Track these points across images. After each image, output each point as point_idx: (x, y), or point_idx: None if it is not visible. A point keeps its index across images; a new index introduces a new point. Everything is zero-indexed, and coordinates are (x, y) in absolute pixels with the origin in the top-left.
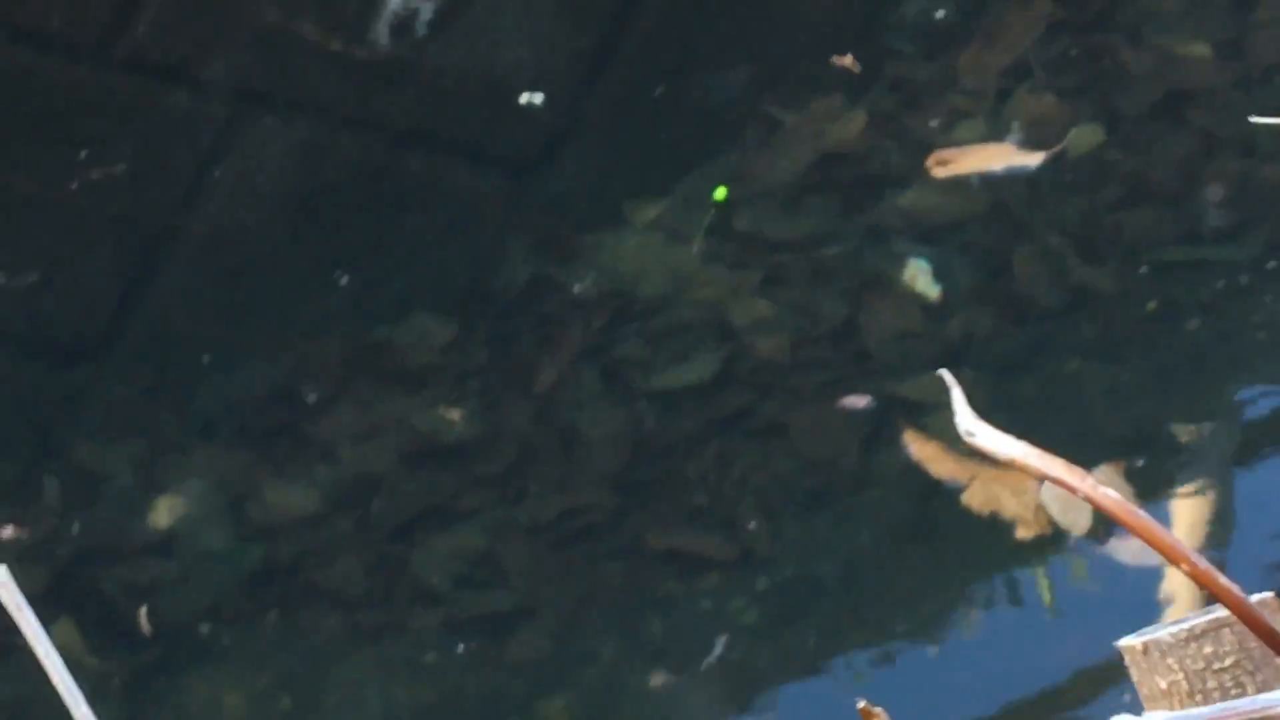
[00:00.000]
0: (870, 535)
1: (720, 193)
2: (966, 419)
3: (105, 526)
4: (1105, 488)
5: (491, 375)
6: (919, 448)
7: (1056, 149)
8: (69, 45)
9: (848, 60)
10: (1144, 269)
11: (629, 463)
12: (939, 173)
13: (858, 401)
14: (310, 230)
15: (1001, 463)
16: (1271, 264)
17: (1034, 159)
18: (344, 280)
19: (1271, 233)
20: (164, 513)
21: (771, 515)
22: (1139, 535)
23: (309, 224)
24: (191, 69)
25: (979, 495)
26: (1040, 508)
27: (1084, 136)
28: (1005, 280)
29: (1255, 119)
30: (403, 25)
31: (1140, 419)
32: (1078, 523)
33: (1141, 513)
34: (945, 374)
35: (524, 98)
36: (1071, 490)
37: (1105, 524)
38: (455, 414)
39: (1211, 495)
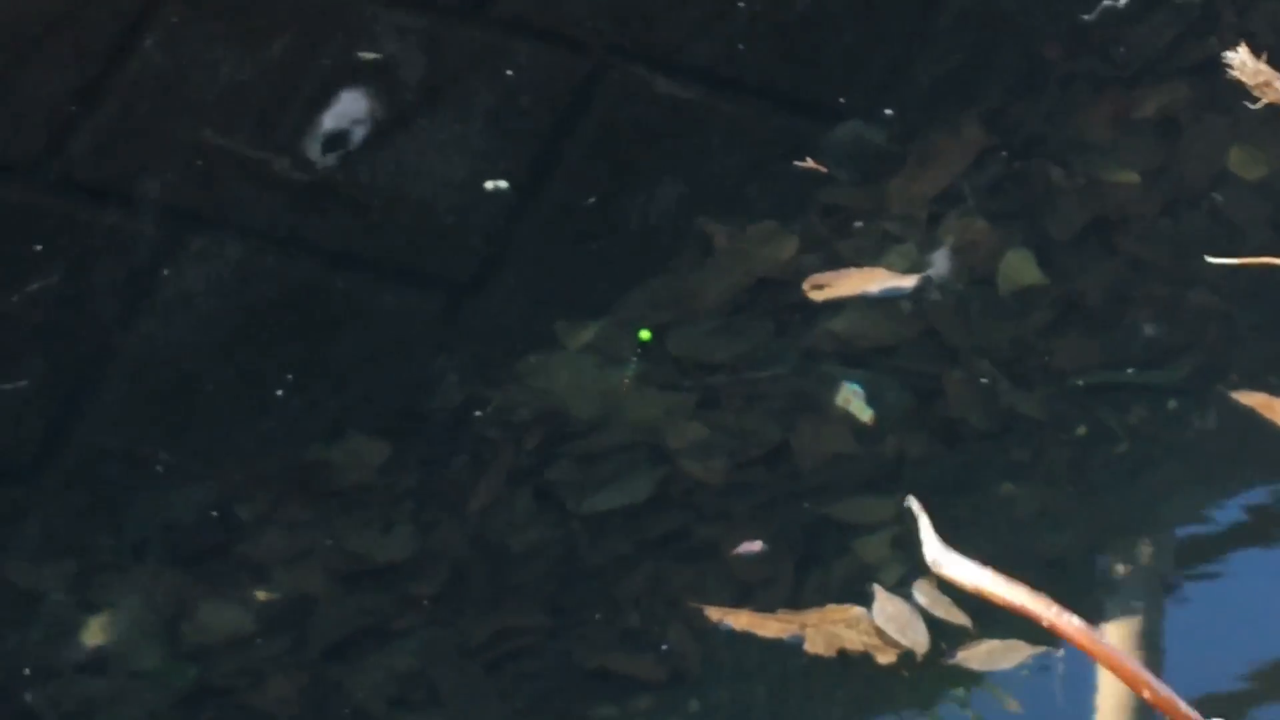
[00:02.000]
0: (801, 659)
1: (645, 334)
2: (933, 549)
3: (37, 645)
4: (1069, 615)
5: (425, 496)
6: (737, 619)
7: (926, 273)
8: (2, 165)
9: (809, 163)
10: (1072, 393)
11: (561, 584)
12: (815, 295)
13: (751, 547)
14: (244, 350)
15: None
16: (1198, 389)
17: (908, 281)
18: (279, 398)
19: (1199, 357)
20: (97, 631)
21: (702, 637)
22: (1103, 662)
23: (242, 344)
24: (124, 189)
25: (819, 640)
26: (880, 631)
27: (1014, 262)
28: (937, 404)
29: (1212, 259)
30: (335, 146)
31: (1071, 542)
32: (918, 640)
33: (1104, 640)
34: (913, 502)
35: (489, 184)
36: (1037, 619)
37: (946, 639)
38: (389, 534)
39: (1140, 619)
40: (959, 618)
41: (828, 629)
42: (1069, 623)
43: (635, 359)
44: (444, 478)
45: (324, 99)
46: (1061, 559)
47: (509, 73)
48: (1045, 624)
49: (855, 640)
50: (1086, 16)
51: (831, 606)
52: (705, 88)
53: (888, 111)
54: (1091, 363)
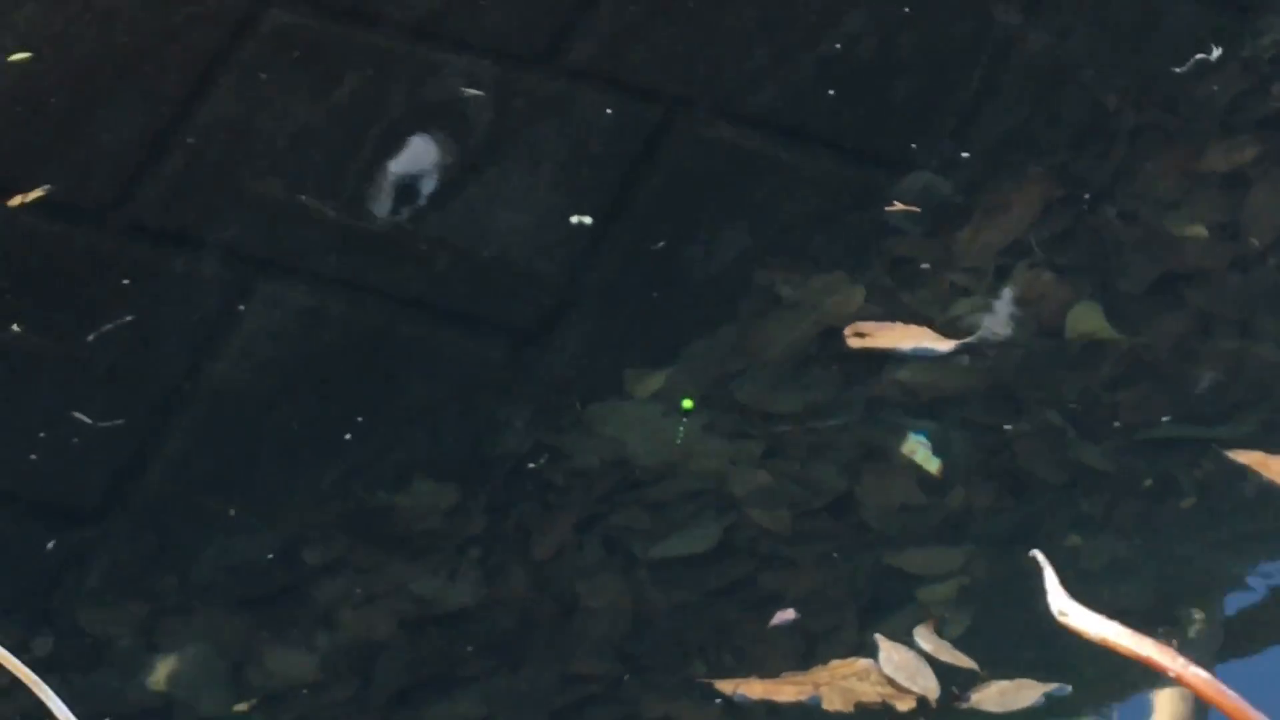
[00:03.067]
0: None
1: (688, 403)
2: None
3: (104, 688)
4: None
5: (492, 542)
6: (751, 688)
7: (969, 339)
8: (74, 210)
9: (898, 206)
10: (1139, 446)
11: (628, 631)
12: (854, 343)
13: (786, 615)
14: (312, 397)
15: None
16: (1266, 444)
17: (945, 345)
18: (346, 443)
19: (1265, 413)
20: (163, 676)
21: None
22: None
23: (311, 390)
24: (193, 235)
25: (835, 698)
26: (891, 680)
27: (1081, 314)
28: (1004, 455)
29: None
30: (404, 195)
31: (1138, 594)
32: (928, 686)
33: (1231, 693)
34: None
35: (574, 219)
36: (1163, 670)
37: (955, 683)
38: (455, 581)
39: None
40: (964, 661)
41: (840, 685)
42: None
43: (682, 427)
44: (511, 524)
45: (393, 148)
46: (1129, 611)
47: (577, 121)
48: (1172, 675)
49: (870, 692)
50: (1178, 69)
51: (837, 662)
52: (772, 137)
53: (964, 154)
54: (1159, 416)
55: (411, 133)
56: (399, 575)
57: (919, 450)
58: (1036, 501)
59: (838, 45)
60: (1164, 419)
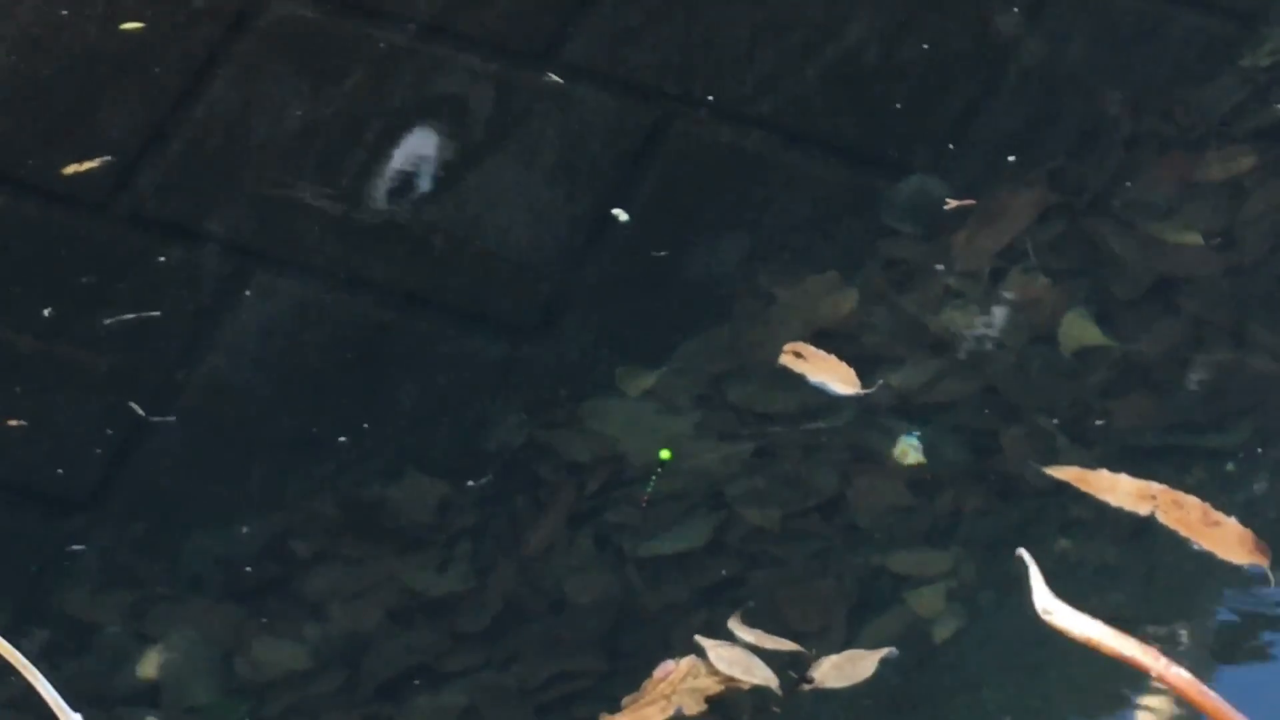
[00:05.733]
0: (855, 709)
1: (665, 454)
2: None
3: (92, 675)
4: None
5: (483, 536)
6: None
7: (877, 385)
8: (71, 198)
9: (953, 204)
10: (1131, 453)
11: (617, 628)
12: (787, 361)
13: (667, 668)
14: (305, 388)
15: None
16: (1257, 452)
17: (850, 389)
18: (340, 440)
19: (1258, 421)
20: (152, 664)
21: None
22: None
23: (304, 382)
24: (190, 226)
25: (690, 701)
26: (727, 678)
27: (1075, 321)
28: (995, 459)
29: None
30: (400, 188)
31: (1127, 601)
32: (767, 676)
33: (1212, 694)
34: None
35: (616, 211)
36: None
37: (796, 671)
38: (446, 573)
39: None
40: (786, 645)
41: (685, 689)
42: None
43: (655, 477)
44: (502, 519)
45: (391, 141)
46: (1118, 618)
47: (575, 119)
48: (1154, 675)
49: (714, 685)
50: (1176, 77)
51: (668, 668)
52: (769, 138)
53: (960, 158)
54: (1151, 423)
55: (409, 127)
56: (389, 567)
57: (910, 453)
58: (1026, 506)
59: (836, 48)
60: (1156, 426)
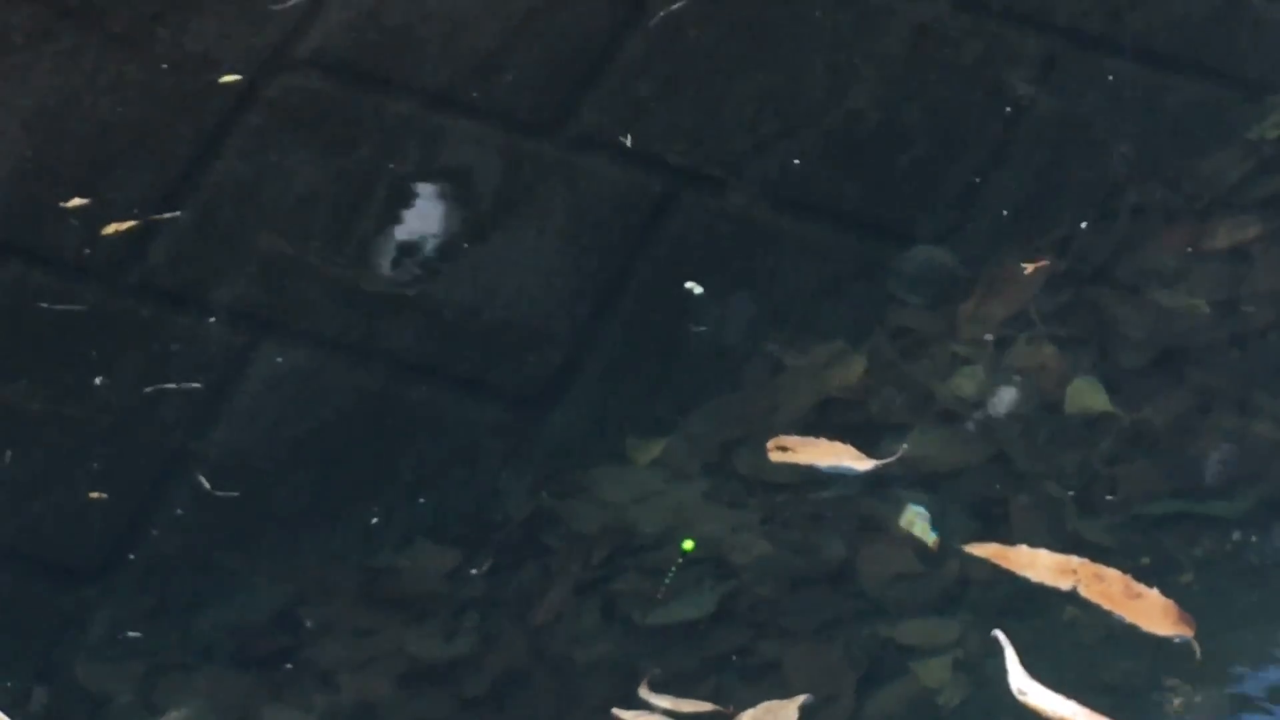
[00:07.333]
0: None
1: (688, 545)
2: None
3: None
4: None
5: (491, 605)
6: None
7: (890, 459)
8: (82, 269)
9: (1031, 267)
10: (1138, 522)
11: (625, 697)
12: (776, 456)
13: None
14: (314, 457)
15: None
16: (1264, 522)
17: (865, 464)
18: (348, 505)
19: (1264, 490)
20: None
21: None
22: None
23: (313, 451)
24: (200, 296)
25: None
26: None
27: (1081, 388)
28: (1002, 528)
29: None
30: (408, 257)
31: (1134, 669)
32: None
33: None
34: (999, 635)
35: (688, 285)
36: None
37: None
38: (454, 643)
39: None
40: (704, 706)
41: None
42: None
43: (675, 567)
44: (510, 588)
45: (399, 210)
46: (1123, 686)
47: (583, 189)
48: None
49: None
50: (1249, 135)
51: None
52: (776, 207)
53: (967, 227)
54: (1157, 491)
55: (418, 198)
56: (398, 637)
57: (917, 522)
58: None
59: (843, 117)
60: (1162, 493)
